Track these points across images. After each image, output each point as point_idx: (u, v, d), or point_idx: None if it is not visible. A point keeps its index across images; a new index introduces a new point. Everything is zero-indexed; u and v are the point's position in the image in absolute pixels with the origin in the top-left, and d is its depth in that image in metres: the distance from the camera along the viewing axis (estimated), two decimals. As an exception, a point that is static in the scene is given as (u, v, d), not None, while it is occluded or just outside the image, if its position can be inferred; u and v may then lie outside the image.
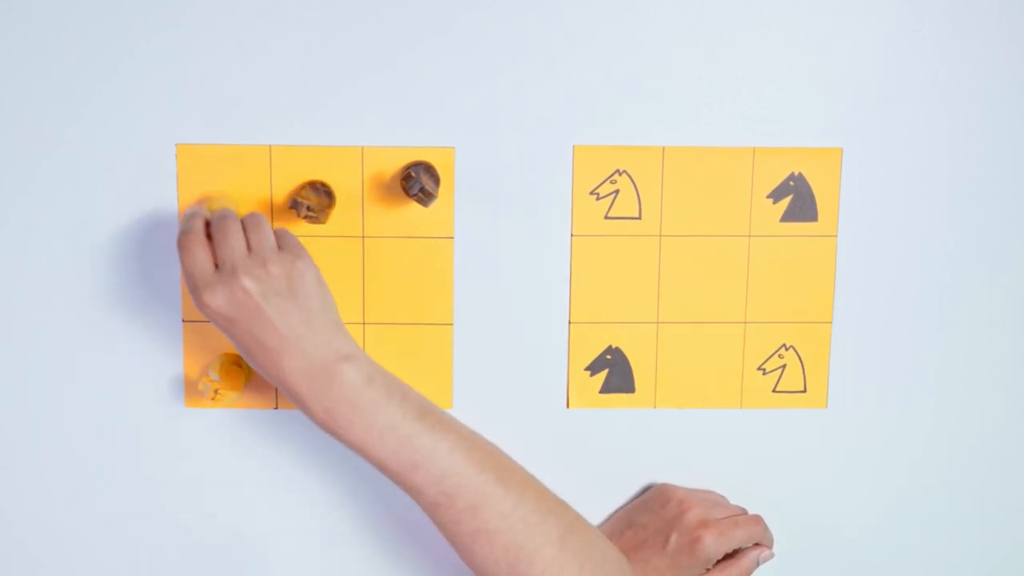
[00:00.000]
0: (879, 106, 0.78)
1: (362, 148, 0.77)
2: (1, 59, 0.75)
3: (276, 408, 0.80)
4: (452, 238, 0.78)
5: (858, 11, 0.77)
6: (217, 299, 0.66)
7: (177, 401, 0.79)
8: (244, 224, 0.70)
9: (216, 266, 0.67)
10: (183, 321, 0.79)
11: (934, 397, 0.82)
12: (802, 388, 0.81)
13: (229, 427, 0.80)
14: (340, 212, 0.78)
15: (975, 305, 0.81)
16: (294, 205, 0.73)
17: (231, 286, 0.66)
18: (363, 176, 0.77)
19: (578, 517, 0.71)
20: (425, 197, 0.73)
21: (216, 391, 0.74)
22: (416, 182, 0.73)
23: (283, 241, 0.70)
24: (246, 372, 0.78)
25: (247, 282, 0.66)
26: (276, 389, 0.79)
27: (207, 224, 0.70)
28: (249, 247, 0.68)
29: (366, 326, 0.79)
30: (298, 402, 0.67)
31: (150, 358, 0.79)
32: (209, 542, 0.81)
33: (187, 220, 0.70)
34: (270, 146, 0.77)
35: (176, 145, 0.77)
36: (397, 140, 0.77)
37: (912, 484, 0.83)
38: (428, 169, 0.75)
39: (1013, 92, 0.79)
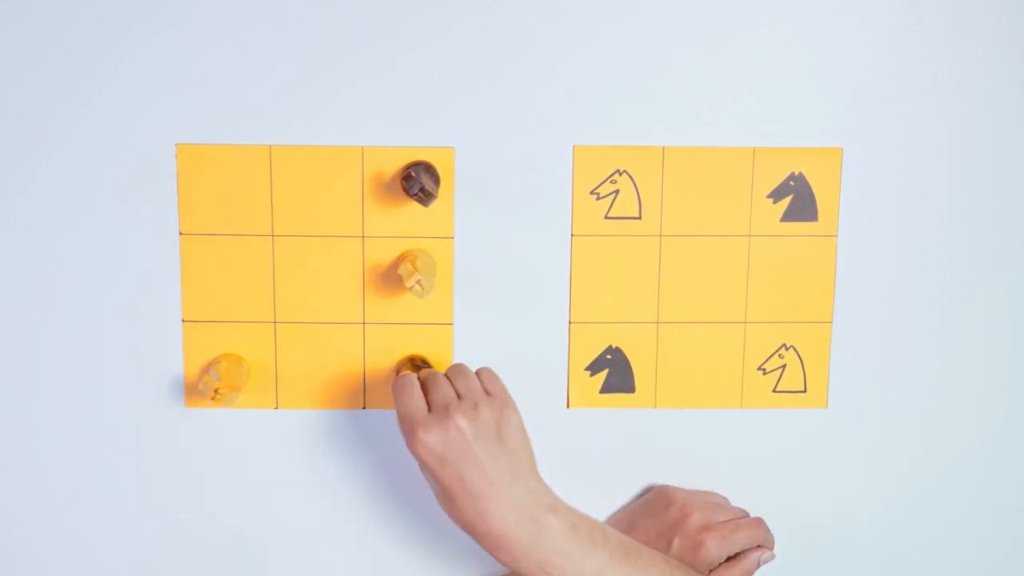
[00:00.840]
0: (879, 106, 0.78)
1: (362, 148, 0.77)
2: (1, 59, 0.75)
3: (276, 408, 0.80)
4: (452, 238, 0.78)
5: (858, 11, 0.77)
6: (432, 437, 0.67)
7: (177, 401, 0.79)
8: (450, 375, 0.73)
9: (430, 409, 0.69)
10: (183, 321, 0.79)
11: (934, 397, 0.82)
12: (802, 388, 0.81)
13: (229, 427, 0.80)
14: (340, 212, 0.78)
15: (975, 305, 0.81)
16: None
17: (445, 424, 0.67)
18: (363, 176, 0.77)
19: None
20: (425, 197, 0.73)
21: (216, 391, 0.74)
22: (416, 182, 0.73)
23: (489, 387, 0.73)
24: (246, 371, 0.78)
25: (461, 421, 0.68)
26: (276, 389, 0.79)
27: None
28: (458, 395, 0.71)
29: (366, 326, 0.79)
30: (503, 552, 0.67)
31: (150, 358, 0.79)
32: (209, 542, 0.81)
33: (401, 375, 0.73)
34: (270, 146, 0.77)
35: (176, 145, 0.77)
36: (397, 140, 0.77)
37: (912, 484, 0.83)
38: (428, 169, 0.75)
39: (1013, 92, 0.79)
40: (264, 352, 0.79)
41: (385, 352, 0.79)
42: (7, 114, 0.76)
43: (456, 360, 0.79)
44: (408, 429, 0.69)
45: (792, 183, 0.79)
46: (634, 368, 0.81)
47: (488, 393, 0.72)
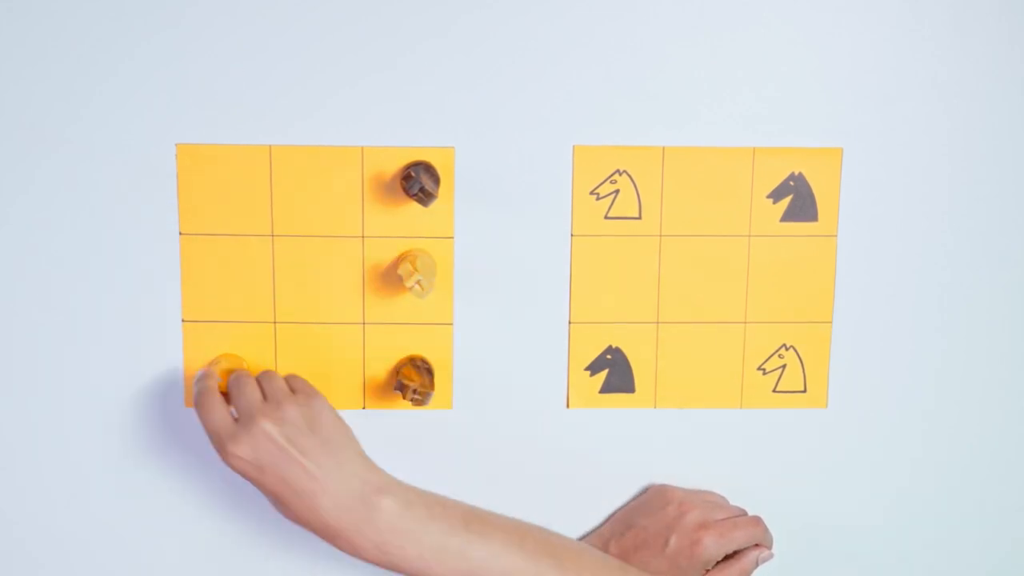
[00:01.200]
0: (879, 106, 0.78)
1: (362, 148, 0.77)
2: (1, 59, 0.75)
3: (276, 408, 0.80)
4: (452, 238, 0.78)
5: (858, 11, 0.77)
6: (242, 447, 0.67)
7: (177, 401, 0.79)
8: (257, 379, 0.73)
9: (236, 420, 0.69)
10: (183, 321, 0.79)
11: (934, 397, 0.82)
12: (802, 388, 0.81)
13: (229, 427, 0.80)
14: (340, 212, 0.78)
15: (975, 305, 0.81)
16: (399, 388, 0.75)
17: (252, 432, 0.67)
18: (363, 176, 0.77)
19: (638, 573, 0.72)
20: (425, 197, 0.73)
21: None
22: (416, 182, 0.73)
23: (295, 385, 0.73)
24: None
25: (267, 425, 0.67)
26: (276, 389, 0.79)
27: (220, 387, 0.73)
28: (264, 397, 0.71)
29: (366, 326, 0.79)
30: (342, 540, 0.67)
31: (150, 358, 0.79)
32: (209, 542, 0.81)
33: (200, 381, 0.73)
34: (270, 146, 0.77)
35: (176, 145, 0.77)
36: (397, 140, 0.77)
37: (912, 484, 0.83)
38: (428, 169, 0.75)
39: (1013, 92, 0.79)
40: (264, 352, 0.79)
41: (385, 352, 0.79)
42: (7, 114, 0.76)
43: (458, 359, 0.79)
44: (218, 445, 0.69)
45: (792, 183, 0.79)
46: (634, 368, 0.81)
47: (293, 391, 0.72)
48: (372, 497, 0.67)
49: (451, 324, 0.79)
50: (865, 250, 0.80)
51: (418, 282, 0.73)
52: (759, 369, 0.81)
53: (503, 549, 0.68)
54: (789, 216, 0.80)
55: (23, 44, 0.75)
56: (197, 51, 0.75)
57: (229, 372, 0.75)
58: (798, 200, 0.79)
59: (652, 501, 0.80)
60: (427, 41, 0.76)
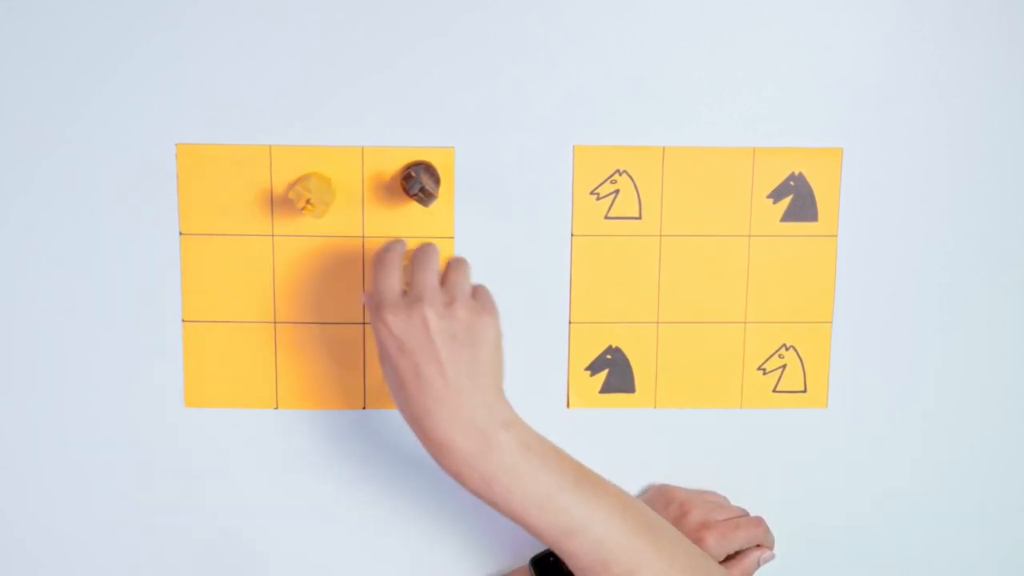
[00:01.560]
0: (879, 106, 0.78)
1: (362, 148, 0.77)
2: (1, 59, 0.75)
3: (276, 408, 0.80)
4: (452, 238, 0.78)
5: (858, 11, 0.77)
6: (398, 321, 0.65)
7: (177, 401, 0.79)
8: (446, 264, 0.70)
9: (405, 294, 0.67)
10: (183, 321, 0.79)
11: (934, 397, 0.82)
12: (802, 388, 0.81)
13: (229, 427, 0.80)
14: (340, 212, 0.78)
15: (975, 305, 0.81)
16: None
17: (412, 311, 0.65)
18: (363, 176, 0.77)
19: (720, 571, 0.71)
20: (425, 197, 0.73)
21: (308, 200, 0.71)
22: (416, 182, 0.73)
23: (477, 292, 0.69)
24: (334, 190, 0.76)
25: (430, 313, 0.65)
26: (276, 389, 0.79)
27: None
28: (443, 285, 0.68)
29: (366, 326, 0.79)
30: (448, 461, 0.65)
31: (150, 358, 0.79)
32: (209, 542, 0.81)
33: (388, 245, 0.70)
34: (270, 146, 0.77)
35: (176, 145, 0.77)
36: (397, 140, 0.77)
37: (912, 484, 0.83)
38: (428, 169, 0.75)
39: (1013, 92, 0.79)
40: (264, 352, 0.79)
41: (385, 352, 0.79)
42: (7, 114, 0.76)
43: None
44: (376, 307, 0.66)
45: (792, 183, 0.79)
46: (634, 368, 0.81)
47: (475, 297, 0.68)
48: (494, 429, 0.64)
49: (451, 324, 0.79)
50: (865, 250, 0.80)
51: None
52: (759, 369, 0.81)
53: (606, 516, 0.66)
54: (789, 216, 0.80)
55: (23, 44, 0.75)
56: (197, 51, 0.75)
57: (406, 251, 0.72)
58: (798, 200, 0.79)
59: (654, 501, 0.80)
60: (427, 41, 0.76)
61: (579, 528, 0.65)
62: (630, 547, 0.66)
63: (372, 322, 0.66)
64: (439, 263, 0.69)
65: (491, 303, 0.69)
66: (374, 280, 0.67)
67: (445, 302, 0.66)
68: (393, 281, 0.67)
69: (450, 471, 0.65)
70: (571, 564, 0.66)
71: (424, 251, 0.69)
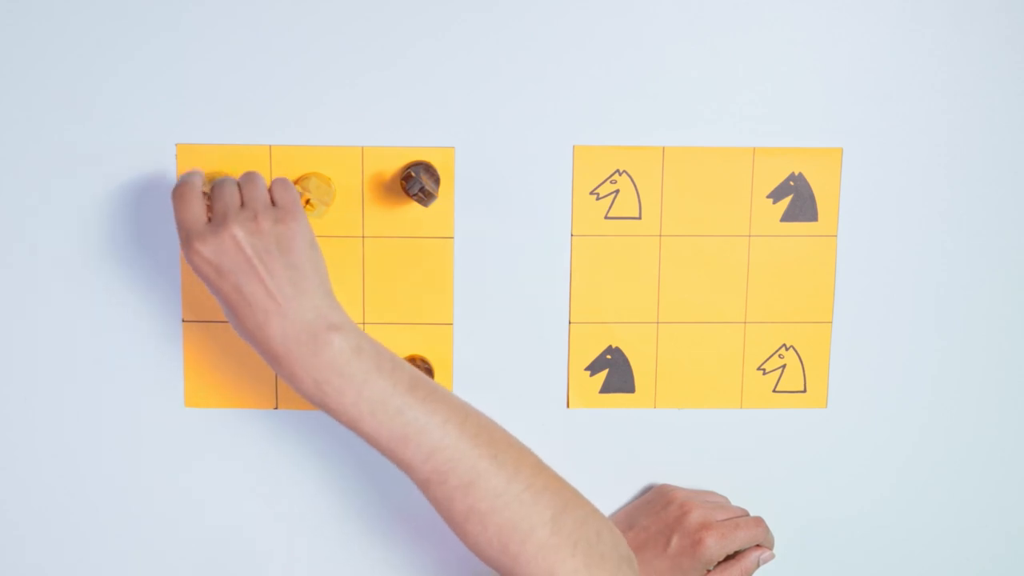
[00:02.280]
0: (879, 106, 0.78)
1: (362, 148, 0.77)
2: (2, 60, 0.75)
3: (276, 408, 0.80)
4: (452, 238, 0.78)
5: (858, 11, 0.77)
6: (207, 248, 0.65)
7: (177, 401, 0.79)
8: (240, 181, 0.69)
9: (210, 220, 0.67)
10: (183, 321, 0.79)
11: (933, 397, 0.82)
12: (802, 388, 0.81)
13: (229, 427, 0.80)
14: (340, 212, 0.78)
15: (974, 305, 0.81)
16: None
17: (221, 235, 0.65)
18: (363, 176, 0.77)
19: (574, 493, 0.69)
20: (425, 197, 0.73)
21: (308, 200, 0.72)
22: (416, 182, 0.73)
23: (280, 198, 0.69)
24: (335, 191, 0.76)
25: (238, 232, 0.65)
26: (276, 389, 0.79)
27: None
28: (243, 202, 0.67)
29: (366, 326, 0.79)
30: (283, 369, 0.65)
31: (150, 358, 0.79)
32: (208, 542, 0.81)
33: (185, 176, 0.69)
34: (270, 146, 0.77)
35: (176, 145, 0.77)
36: (397, 140, 0.77)
37: (912, 483, 0.83)
38: (428, 169, 0.75)
39: (1013, 92, 0.79)
40: (264, 352, 0.79)
41: (385, 352, 0.79)
42: (8, 115, 0.76)
43: (457, 359, 0.79)
44: (184, 239, 0.66)
45: (792, 183, 0.79)
46: (634, 368, 0.81)
47: (274, 204, 0.68)
48: (323, 333, 0.64)
49: (451, 324, 0.79)
50: (865, 250, 0.80)
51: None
52: (759, 369, 0.81)
53: (442, 422, 0.65)
54: (789, 216, 0.80)
55: (24, 45, 0.75)
56: (197, 52, 0.76)
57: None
58: (798, 200, 0.79)
59: (654, 501, 0.80)
60: (427, 41, 0.76)
61: (413, 433, 0.64)
62: (469, 457, 0.65)
63: (185, 255, 0.66)
64: (235, 186, 0.68)
65: (294, 205, 0.68)
66: (176, 213, 0.67)
67: (249, 217, 0.66)
68: (196, 211, 0.67)
69: (286, 377, 0.65)
70: (410, 476, 0.66)
71: (220, 181, 0.69)
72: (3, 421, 0.79)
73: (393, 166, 0.77)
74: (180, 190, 0.68)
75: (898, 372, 0.81)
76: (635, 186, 0.79)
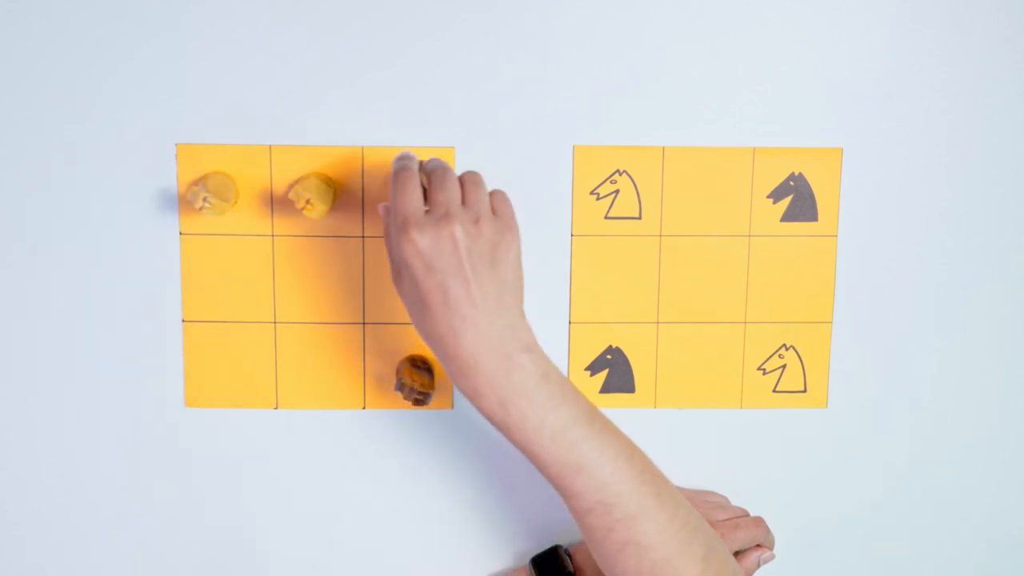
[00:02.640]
0: (879, 106, 0.78)
1: (362, 148, 0.77)
2: (2, 60, 0.75)
3: (276, 408, 0.80)
4: (452, 238, 0.78)
5: (858, 11, 0.77)
6: (425, 238, 0.63)
7: (177, 401, 0.79)
8: (463, 180, 0.68)
9: (427, 212, 0.65)
10: (183, 321, 0.79)
11: (933, 397, 0.82)
12: (802, 388, 0.81)
13: (229, 427, 0.80)
14: (340, 212, 0.78)
15: (974, 305, 0.81)
16: (399, 388, 0.75)
17: (440, 229, 0.63)
18: (363, 176, 0.77)
19: (716, 536, 0.70)
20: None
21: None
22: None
23: (498, 208, 0.68)
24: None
25: (458, 230, 0.63)
26: (276, 389, 0.79)
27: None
28: (464, 202, 0.66)
29: (366, 326, 0.79)
30: (467, 381, 0.63)
31: (150, 358, 0.79)
32: (209, 542, 0.81)
33: (402, 160, 0.68)
34: (270, 146, 0.77)
35: (176, 145, 0.77)
36: (397, 140, 0.77)
37: (911, 483, 0.83)
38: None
39: (1013, 92, 0.79)
40: (264, 352, 0.79)
41: (385, 352, 0.79)
42: (8, 115, 0.76)
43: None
44: (401, 225, 0.64)
45: (792, 183, 0.79)
46: (634, 368, 0.81)
47: (495, 213, 0.67)
48: (517, 353, 0.63)
49: (451, 324, 0.79)
50: (865, 250, 0.80)
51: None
52: (759, 369, 0.81)
53: (614, 456, 0.65)
54: (789, 216, 0.80)
55: (24, 45, 0.75)
56: (197, 52, 0.76)
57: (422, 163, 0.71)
58: (798, 200, 0.79)
59: (653, 501, 0.80)
60: (427, 41, 0.76)
61: (587, 465, 0.64)
62: (635, 493, 0.65)
63: (396, 240, 0.64)
64: (457, 183, 0.67)
65: (512, 219, 0.67)
66: (395, 197, 0.65)
67: (471, 219, 0.64)
68: (416, 198, 0.65)
69: (468, 391, 0.64)
70: (571, 504, 0.66)
71: (443, 169, 0.68)
72: (3, 421, 0.79)
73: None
74: (401, 175, 0.66)
75: (898, 372, 0.81)
76: (635, 186, 0.79)
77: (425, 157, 0.76)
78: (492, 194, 0.69)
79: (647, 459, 0.68)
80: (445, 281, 0.63)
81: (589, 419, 0.65)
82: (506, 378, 0.63)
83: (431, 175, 0.67)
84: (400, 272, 0.65)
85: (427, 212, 0.65)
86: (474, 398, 0.64)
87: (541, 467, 0.65)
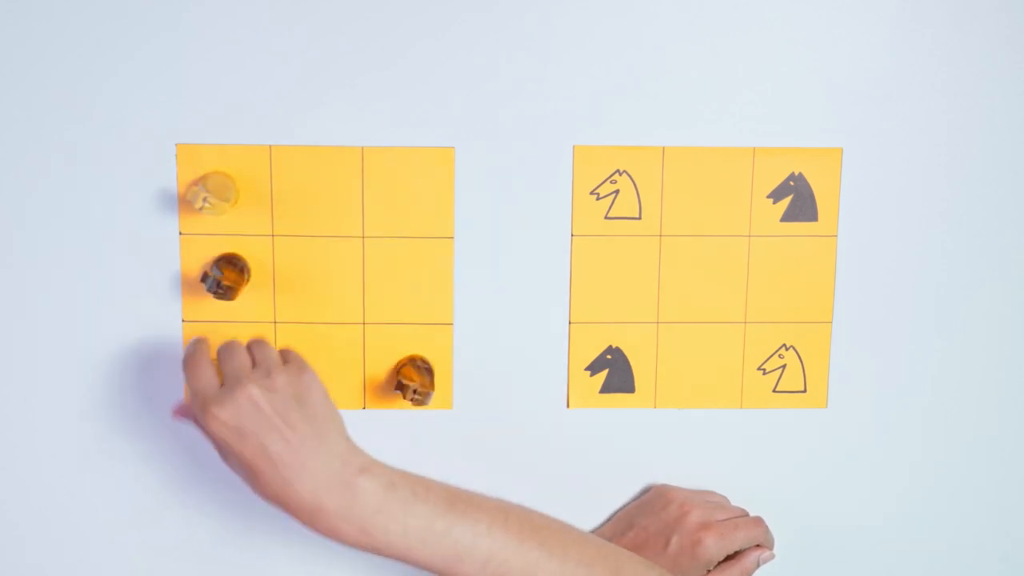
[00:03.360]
0: (879, 106, 0.78)
1: (362, 148, 0.77)
2: (2, 60, 0.75)
3: (276, 408, 0.80)
4: (452, 238, 0.78)
5: (858, 11, 0.77)
6: (226, 411, 0.65)
7: (178, 401, 0.79)
8: (248, 345, 0.72)
9: (222, 384, 0.68)
10: (183, 321, 0.79)
11: (933, 397, 0.82)
12: (802, 388, 0.81)
13: (229, 427, 0.80)
14: (340, 212, 0.78)
15: (974, 305, 0.81)
16: (399, 388, 0.75)
17: (237, 396, 0.65)
18: (363, 176, 0.77)
19: (615, 549, 0.70)
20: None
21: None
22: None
23: (287, 356, 0.72)
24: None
25: (254, 390, 0.65)
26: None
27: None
28: (254, 363, 0.69)
29: (366, 326, 0.79)
30: (321, 523, 0.65)
31: (150, 358, 0.79)
32: (209, 542, 0.81)
33: (192, 344, 0.72)
34: (270, 146, 0.77)
35: (176, 145, 0.77)
36: (397, 140, 0.77)
37: (912, 484, 0.83)
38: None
39: (1013, 92, 0.79)
40: (264, 352, 0.79)
41: (385, 352, 0.79)
42: (8, 115, 0.76)
43: (457, 359, 0.79)
44: (200, 406, 0.66)
45: (792, 183, 0.79)
46: (634, 368, 0.81)
47: (285, 363, 0.70)
48: (353, 478, 0.65)
49: (451, 324, 0.79)
50: (865, 250, 0.80)
51: (205, 199, 0.71)
52: (759, 369, 0.81)
53: (487, 530, 0.66)
54: (789, 216, 0.80)
55: (24, 45, 0.75)
56: (197, 52, 0.75)
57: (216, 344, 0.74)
58: (798, 200, 0.79)
59: (653, 501, 0.80)
60: (427, 41, 0.76)
61: (462, 552, 0.65)
62: (520, 554, 0.66)
63: (202, 423, 0.66)
64: (244, 349, 0.71)
65: (301, 361, 0.71)
66: (189, 383, 0.69)
67: (263, 375, 0.67)
68: (209, 376, 0.68)
69: (326, 532, 0.65)
70: None
71: (227, 345, 0.71)
72: (3, 421, 0.79)
73: (393, 166, 0.77)
74: (190, 358, 0.69)
75: (898, 372, 0.81)
76: (635, 186, 0.79)
77: (426, 157, 0.77)
78: (281, 350, 0.73)
79: (521, 511, 0.69)
80: (261, 440, 0.65)
81: (449, 505, 0.66)
82: (352, 506, 0.64)
83: (218, 353, 0.70)
84: (221, 449, 0.67)
85: (222, 387, 0.67)
86: (334, 535, 0.65)
87: (424, 567, 0.66)
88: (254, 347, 0.72)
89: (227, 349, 0.70)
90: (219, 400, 0.66)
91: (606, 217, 0.79)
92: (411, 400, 0.75)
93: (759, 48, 0.77)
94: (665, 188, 0.79)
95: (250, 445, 0.65)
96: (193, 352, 0.71)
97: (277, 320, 0.79)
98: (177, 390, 0.79)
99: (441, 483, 0.68)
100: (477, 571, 0.65)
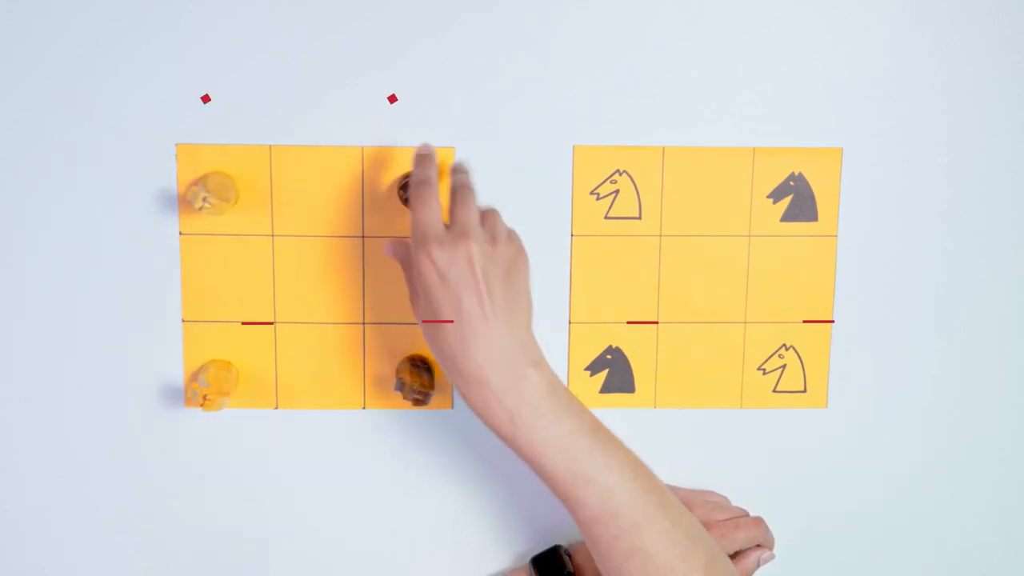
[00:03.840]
0: (879, 106, 0.78)
1: (362, 148, 0.77)
2: (2, 60, 0.75)
3: (276, 408, 0.80)
4: (452, 238, 0.78)
5: (858, 11, 0.77)
6: (443, 254, 0.65)
7: (177, 401, 0.79)
8: (484, 210, 0.71)
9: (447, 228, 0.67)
10: (183, 321, 0.79)
11: (933, 397, 0.82)
12: (802, 388, 0.81)
13: (229, 427, 0.80)
14: (340, 212, 0.78)
15: (974, 305, 0.81)
16: (399, 388, 0.75)
17: (458, 246, 0.65)
18: (363, 176, 0.77)
19: (717, 545, 0.71)
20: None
21: (204, 397, 0.74)
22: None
23: (512, 235, 0.71)
24: (235, 376, 0.78)
25: (475, 248, 0.65)
26: (276, 389, 0.79)
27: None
28: (482, 224, 0.68)
29: (366, 326, 0.79)
30: (476, 394, 0.65)
31: (150, 358, 0.79)
32: (209, 542, 0.81)
33: (422, 169, 0.70)
34: (270, 146, 0.77)
35: (176, 145, 0.77)
36: (397, 140, 0.77)
37: (911, 483, 0.83)
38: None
39: (1013, 92, 0.79)
40: (264, 352, 0.79)
41: (385, 352, 0.79)
42: (8, 115, 0.76)
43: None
44: (420, 239, 0.66)
45: (792, 183, 0.79)
46: (634, 368, 0.81)
47: (509, 239, 0.70)
48: (524, 367, 0.65)
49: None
50: (865, 250, 0.80)
51: (205, 199, 0.71)
52: (759, 369, 0.81)
53: (619, 466, 0.67)
54: (789, 216, 0.80)
55: (24, 45, 0.75)
56: (197, 52, 0.76)
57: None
58: (798, 200, 0.79)
59: (653, 501, 0.80)
60: (427, 41, 0.76)
61: (593, 475, 0.66)
62: (638, 501, 0.66)
63: (414, 255, 0.66)
64: (476, 199, 0.70)
65: (522, 246, 0.70)
66: (415, 213, 0.68)
67: (488, 239, 0.67)
68: (436, 213, 0.67)
69: (477, 405, 0.65)
70: (576, 513, 0.67)
71: (463, 189, 0.70)
72: (3, 421, 0.79)
73: (393, 166, 0.77)
74: (420, 189, 0.68)
75: (898, 372, 0.82)
76: (635, 186, 0.79)
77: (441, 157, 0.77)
78: (508, 230, 0.71)
79: (650, 470, 0.69)
80: (459, 294, 0.65)
81: (594, 431, 0.67)
82: (514, 391, 0.65)
83: (454, 192, 0.70)
84: (415, 289, 0.67)
85: (447, 228, 0.67)
86: (483, 412, 0.66)
87: (548, 478, 0.67)
88: (488, 212, 0.71)
89: (463, 195, 0.69)
90: (440, 241, 0.66)
91: (606, 217, 0.79)
92: (411, 400, 0.75)
93: (759, 48, 0.77)
94: (665, 188, 0.79)
95: (448, 294, 0.65)
96: (425, 182, 0.69)
97: (277, 320, 0.79)
98: (177, 390, 0.79)
99: (589, 411, 0.68)
100: (596, 499, 0.66)
